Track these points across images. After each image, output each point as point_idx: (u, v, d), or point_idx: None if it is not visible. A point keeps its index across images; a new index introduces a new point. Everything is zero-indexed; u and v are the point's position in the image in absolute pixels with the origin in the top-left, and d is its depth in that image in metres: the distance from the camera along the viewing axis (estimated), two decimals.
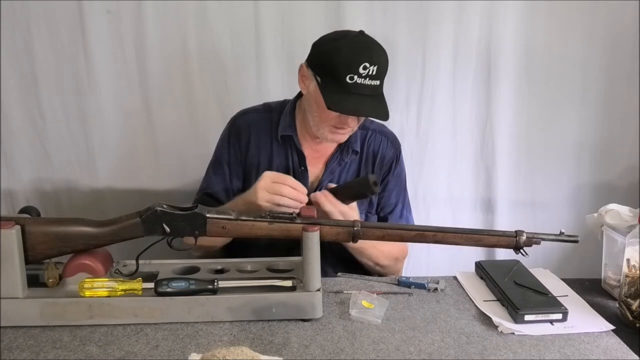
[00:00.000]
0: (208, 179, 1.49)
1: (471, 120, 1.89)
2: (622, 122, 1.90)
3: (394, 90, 1.83)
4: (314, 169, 1.46)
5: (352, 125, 1.35)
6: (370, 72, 1.26)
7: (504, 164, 1.92)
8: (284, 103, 1.49)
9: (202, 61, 1.78)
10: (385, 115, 1.31)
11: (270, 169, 1.44)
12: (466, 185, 1.95)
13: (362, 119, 1.38)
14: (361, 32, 1.33)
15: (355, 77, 1.26)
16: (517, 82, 1.86)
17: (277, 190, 1.25)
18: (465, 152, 1.92)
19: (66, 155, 1.84)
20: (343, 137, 1.39)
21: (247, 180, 1.46)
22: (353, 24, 1.58)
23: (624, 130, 1.90)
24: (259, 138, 1.46)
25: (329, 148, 1.47)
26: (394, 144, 1.53)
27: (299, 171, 1.44)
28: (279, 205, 1.23)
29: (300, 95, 1.44)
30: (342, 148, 1.46)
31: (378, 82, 1.29)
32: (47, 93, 1.77)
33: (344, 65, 1.26)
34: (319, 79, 1.32)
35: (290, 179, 1.27)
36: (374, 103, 1.30)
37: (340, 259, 1.47)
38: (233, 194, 1.45)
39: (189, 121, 1.83)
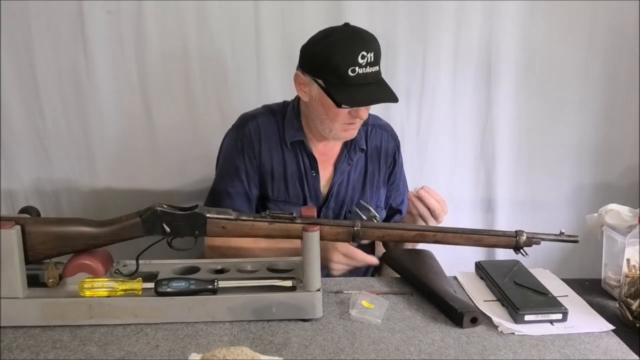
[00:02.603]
0: (226, 194, 1.41)
1: (471, 120, 1.90)
2: (622, 122, 1.90)
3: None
4: (325, 172, 1.46)
5: (364, 116, 1.34)
6: (369, 60, 1.27)
7: (504, 164, 1.93)
8: (285, 105, 1.47)
9: (202, 61, 1.78)
10: (395, 98, 1.32)
11: (284, 175, 1.42)
12: (466, 185, 1.95)
13: (370, 109, 1.38)
14: (346, 25, 1.34)
15: (357, 68, 1.26)
16: (517, 82, 1.86)
17: (353, 265, 1.32)
18: (466, 152, 1.92)
19: (66, 155, 1.84)
20: (354, 132, 1.39)
21: (263, 188, 1.44)
22: (353, 24, 1.57)
23: (624, 130, 1.90)
24: (269, 144, 1.42)
25: (336, 149, 1.46)
26: (393, 135, 1.55)
27: (311, 176, 1.44)
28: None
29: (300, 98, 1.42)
30: (348, 147, 1.46)
31: (377, 68, 1.30)
32: (47, 93, 1.77)
33: (343, 60, 1.26)
34: (320, 81, 1.30)
35: (360, 255, 1.31)
36: (380, 89, 1.31)
37: None
38: (254, 203, 1.44)
39: (189, 121, 1.83)
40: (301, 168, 1.43)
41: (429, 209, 1.34)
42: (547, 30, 1.82)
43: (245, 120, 1.45)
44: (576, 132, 1.91)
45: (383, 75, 1.34)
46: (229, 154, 1.45)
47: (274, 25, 1.76)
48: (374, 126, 1.51)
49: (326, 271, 1.31)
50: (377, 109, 1.47)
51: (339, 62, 1.26)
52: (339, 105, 1.28)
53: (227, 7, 1.74)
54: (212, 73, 1.79)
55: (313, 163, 1.43)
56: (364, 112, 1.34)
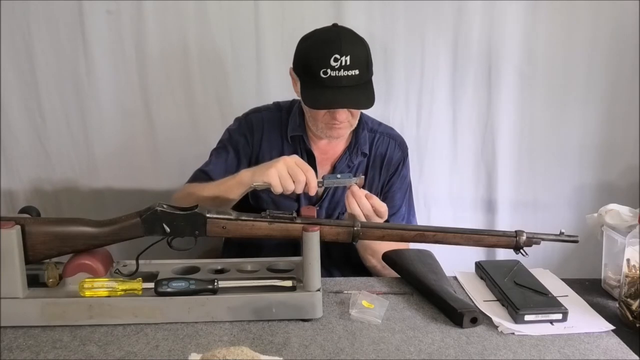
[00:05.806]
0: (209, 161, 1.47)
1: (472, 120, 1.89)
2: (623, 122, 1.89)
3: (394, 90, 1.84)
4: (322, 170, 1.46)
5: (341, 119, 1.33)
6: (343, 63, 1.26)
7: (504, 164, 1.92)
8: (292, 102, 1.50)
9: (202, 61, 1.78)
10: (365, 104, 1.30)
11: None
12: (467, 185, 1.95)
13: (357, 112, 1.37)
14: (334, 25, 1.34)
15: (329, 70, 1.26)
16: (517, 82, 1.86)
17: (295, 174, 1.19)
18: (466, 152, 1.92)
19: (66, 155, 1.84)
20: (341, 131, 1.38)
21: None
22: (353, 24, 1.57)
23: (625, 131, 1.90)
24: (270, 136, 1.46)
25: (338, 149, 1.46)
26: (402, 146, 1.52)
27: None
28: (285, 188, 1.19)
29: None
30: (351, 150, 1.46)
31: (357, 72, 1.28)
32: (47, 93, 1.78)
33: (316, 61, 1.27)
34: (299, 79, 1.33)
35: (311, 172, 1.20)
36: (352, 93, 1.29)
37: (347, 260, 1.47)
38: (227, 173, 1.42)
39: (189, 121, 1.83)
40: None
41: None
42: (547, 31, 1.81)
43: (251, 112, 1.50)
44: (576, 132, 1.91)
45: (382, 76, 1.33)
46: (226, 133, 1.49)
47: (274, 25, 1.76)
48: (383, 134, 1.50)
49: (325, 271, 1.31)
50: (376, 109, 1.47)
51: (312, 62, 1.28)
52: (306, 105, 1.30)
53: (227, 6, 1.74)
54: (212, 73, 1.79)
55: (311, 159, 1.44)
56: (341, 115, 1.32)
